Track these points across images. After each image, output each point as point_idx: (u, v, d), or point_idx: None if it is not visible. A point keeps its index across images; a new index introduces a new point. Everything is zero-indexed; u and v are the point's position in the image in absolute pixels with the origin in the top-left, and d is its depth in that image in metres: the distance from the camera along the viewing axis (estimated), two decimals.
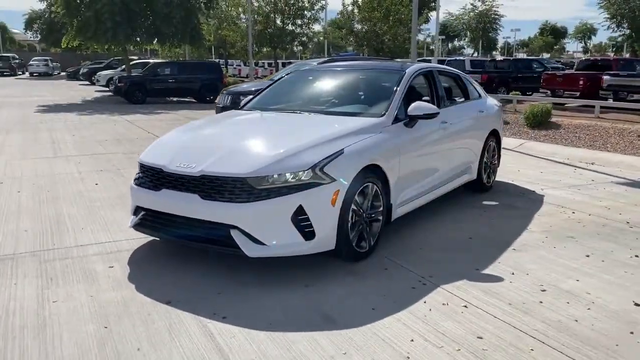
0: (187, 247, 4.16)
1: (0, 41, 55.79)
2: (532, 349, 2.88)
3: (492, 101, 6.77)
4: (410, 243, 4.57)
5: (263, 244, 3.60)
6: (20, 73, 46.01)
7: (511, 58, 27.63)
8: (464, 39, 55.43)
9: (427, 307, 3.37)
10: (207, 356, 2.76)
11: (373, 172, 4.14)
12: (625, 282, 3.81)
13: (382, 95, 4.87)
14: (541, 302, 3.47)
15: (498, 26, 50.47)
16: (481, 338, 2.99)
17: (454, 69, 6.44)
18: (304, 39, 38.56)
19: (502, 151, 9.82)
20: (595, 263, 4.16)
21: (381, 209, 4.27)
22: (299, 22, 35.97)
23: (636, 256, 4.32)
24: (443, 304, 3.41)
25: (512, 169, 7.97)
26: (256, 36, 34.53)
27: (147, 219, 4.05)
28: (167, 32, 21.77)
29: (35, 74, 44.12)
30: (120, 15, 20.47)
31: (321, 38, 34.60)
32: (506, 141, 10.81)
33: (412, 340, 2.95)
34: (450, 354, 2.82)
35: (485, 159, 6.25)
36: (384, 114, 4.55)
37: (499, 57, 32.60)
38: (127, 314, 3.20)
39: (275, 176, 3.64)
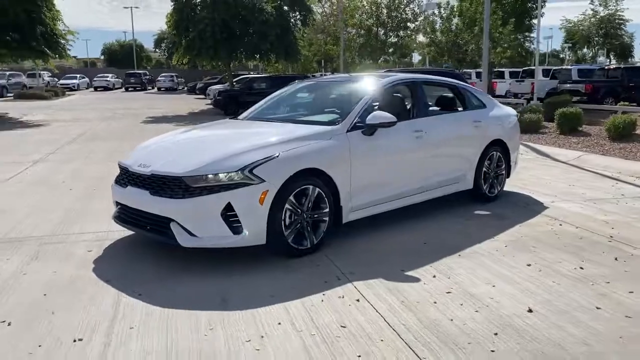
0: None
1: (135, 59, 61.95)
2: (382, 340, 3.09)
3: (501, 111, 6.70)
4: (361, 245, 4.81)
5: (195, 236, 4.11)
6: (150, 88, 50.86)
7: (623, 66, 25.60)
8: (587, 47, 51.56)
9: (321, 298, 3.66)
10: (100, 320, 3.32)
11: (316, 176, 4.48)
12: (542, 290, 3.79)
13: (350, 105, 5.16)
14: (435, 302, 3.61)
15: (623, 32, 46.62)
16: (344, 327, 3.25)
17: (450, 80, 6.50)
18: (407, 50, 38.66)
19: (552, 163, 9.58)
20: (530, 272, 4.15)
21: (327, 210, 4.58)
22: (401, 33, 36.28)
23: (581, 268, 4.23)
24: (339, 297, 3.69)
25: (543, 181, 7.74)
26: (358, 49, 35.33)
27: (121, 212, 4.73)
28: (263, 49, 23.16)
29: (162, 89, 48.62)
30: (220, 34, 22.17)
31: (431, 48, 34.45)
32: (563, 153, 10.41)
33: (280, 324, 3.29)
34: (303, 338, 3.12)
35: (485, 169, 6.24)
36: (339, 122, 4.87)
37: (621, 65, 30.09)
38: (68, 287, 3.87)
39: (211, 176, 4.13)
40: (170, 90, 48.32)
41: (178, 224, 4.12)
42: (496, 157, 6.41)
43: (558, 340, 3.09)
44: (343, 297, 3.68)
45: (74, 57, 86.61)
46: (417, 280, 3.99)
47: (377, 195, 5.09)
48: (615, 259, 4.44)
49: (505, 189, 7.02)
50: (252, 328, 3.23)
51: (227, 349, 2.99)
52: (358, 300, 3.63)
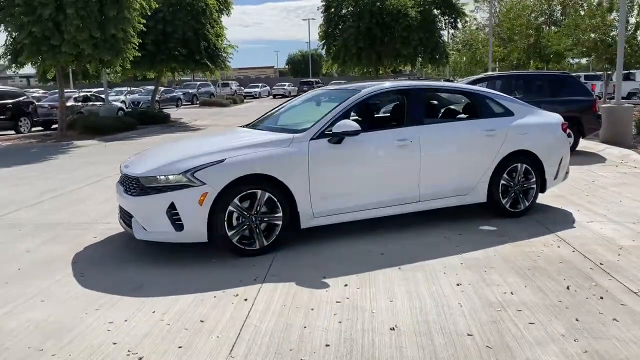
0: None
1: (310, 68, 65.68)
2: (218, 336, 3.29)
3: (536, 120, 6.04)
4: (318, 249, 4.89)
5: (146, 230, 4.65)
6: None
7: None
8: None
9: (214, 294, 3.93)
10: (30, 292, 4.02)
11: (266, 181, 4.72)
12: (435, 310, 3.58)
13: (327, 113, 5.26)
14: (313, 309, 3.64)
15: None
16: (202, 322, 3.50)
17: (465, 87, 6.08)
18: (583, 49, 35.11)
19: None
20: (450, 292, 3.90)
21: (280, 214, 4.79)
22: None
23: (511, 293, 3.85)
24: (234, 295, 3.91)
25: (617, 198, 6.79)
26: (525, 50, 33.17)
27: (119, 209, 5.47)
28: (406, 53, 23.17)
29: None
30: (364, 42, 22.76)
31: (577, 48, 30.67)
32: None
33: (153, 312, 3.65)
34: (156, 325, 3.44)
35: (504, 182, 5.78)
36: (303, 130, 5.02)
37: None
38: (44, 264, 4.67)
39: (162, 177, 4.64)
40: None
41: (135, 218, 4.71)
42: (521, 170, 5.87)
43: None
44: (237, 296, 3.90)
45: (272, 67, 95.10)
46: (325, 287, 4.03)
47: (347, 203, 5.10)
48: (567, 287, 3.93)
49: (556, 205, 6.43)
50: (127, 312, 3.65)
51: (87, 326, 3.45)
52: (246, 300, 3.82)
